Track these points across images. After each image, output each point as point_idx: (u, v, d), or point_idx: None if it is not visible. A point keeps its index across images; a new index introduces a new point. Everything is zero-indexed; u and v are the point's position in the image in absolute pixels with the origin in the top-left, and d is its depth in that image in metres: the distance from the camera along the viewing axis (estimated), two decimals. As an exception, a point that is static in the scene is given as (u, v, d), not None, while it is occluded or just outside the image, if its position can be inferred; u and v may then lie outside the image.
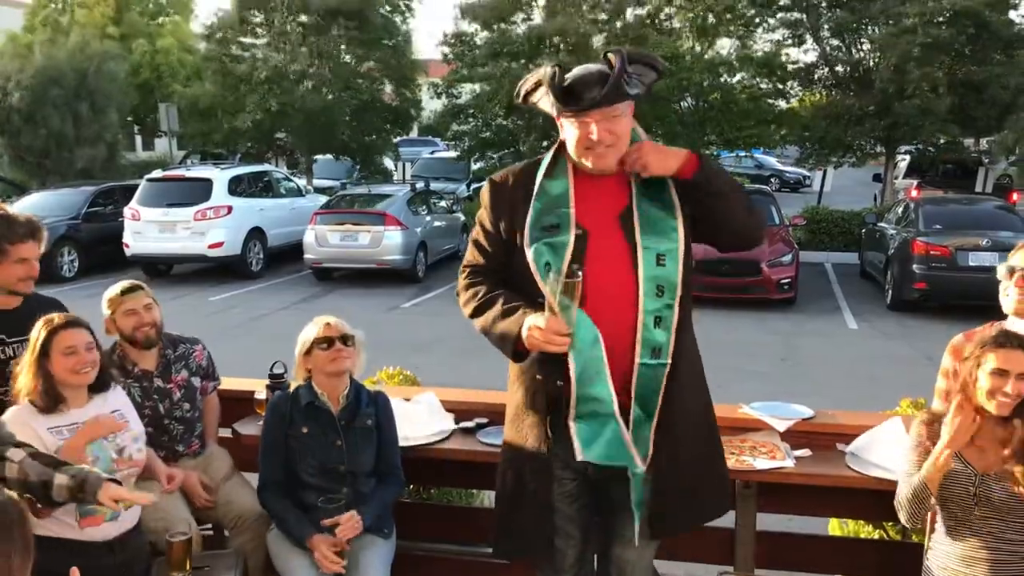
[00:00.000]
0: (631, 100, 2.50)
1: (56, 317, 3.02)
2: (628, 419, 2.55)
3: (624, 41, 17.12)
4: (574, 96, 2.45)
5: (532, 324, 2.46)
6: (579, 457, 2.58)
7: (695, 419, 2.70)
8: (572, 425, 2.57)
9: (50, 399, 2.95)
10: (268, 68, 20.39)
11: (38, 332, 2.96)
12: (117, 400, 3.18)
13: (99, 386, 3.09)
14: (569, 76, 2.49)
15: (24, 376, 2.96)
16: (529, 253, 2.56)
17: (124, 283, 3.61)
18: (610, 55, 2.44)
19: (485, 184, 2.78)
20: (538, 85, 2.53)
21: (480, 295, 2.67)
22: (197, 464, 3.67)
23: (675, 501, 2.64)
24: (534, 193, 2.62)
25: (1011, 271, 2.84)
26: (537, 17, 18.75)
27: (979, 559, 2.65)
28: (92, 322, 3.12)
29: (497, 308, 2.59)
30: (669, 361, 2.54)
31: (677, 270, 2.53)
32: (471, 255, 2.76)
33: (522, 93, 2.59)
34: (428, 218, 15.24)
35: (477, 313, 2.66)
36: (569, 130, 2.54)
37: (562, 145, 2.63)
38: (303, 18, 20.98)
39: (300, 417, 3.29)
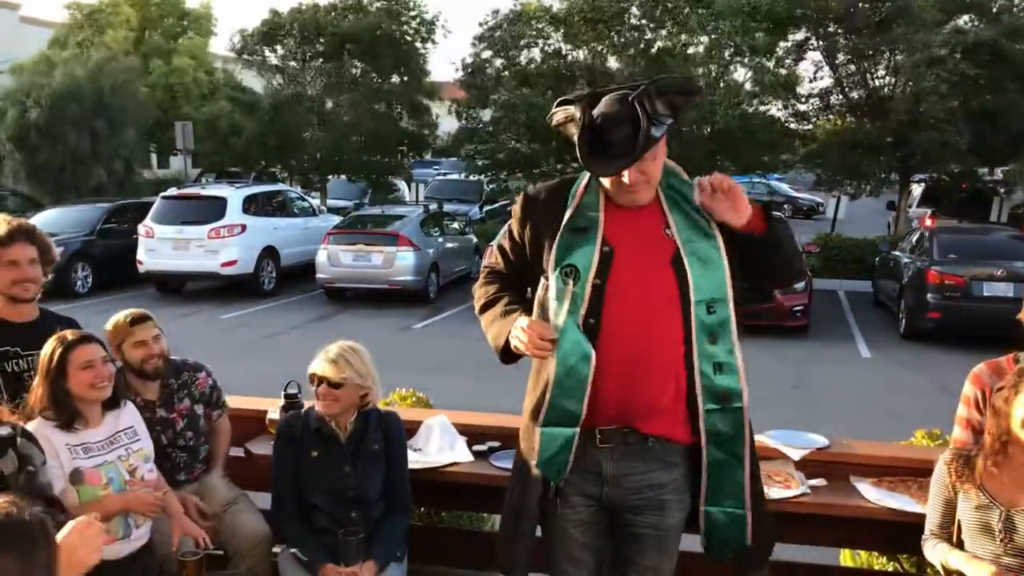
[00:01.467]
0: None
1: (68, 333, 3.01)
2: (699, 462, 2.59)
3: (644, 71, 17.16)
4: (602, 143, 2.43)
5: (519, 324, 2.50)
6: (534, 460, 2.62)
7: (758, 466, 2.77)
8: (537, 431, 2.60)
9: (67, 415, 2.94)
10: (283, 94, 20.58)
11: (51, 349, 2.94)
12: (130, 417, 3.18)
13: (112, 403, 3.08)
14: (598, 112, 2.46)
15: (37, 392, 2.94)
16: (552, 255, 2.56)
17: (131, 312, 3.50)
18: (635, 102, 2.39)
19: (520, 196, 2.80)
20: (567, 119, 2.52)
21: (489, 294, 2.74)
22: (192, 490, 3.58)
23: (765, 540, 2.73)
24: (570, 203, 2.61)
25: None
26: (553, 44, 18.81)
27: None
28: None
29: (499, 308, 2.66)
30: (744, 404, 2.59)
31: (729, 317, 2.54)
32: (493, 258, 2.83)
33: (553, 121, 2.59)
34: (440, 239, 15.27)
35: (483, 311, 2.74)
36: None
37: None
38: (319, 43, 21.16)
39: (310, 440, 3.28)
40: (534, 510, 2.68)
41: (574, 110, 2.49)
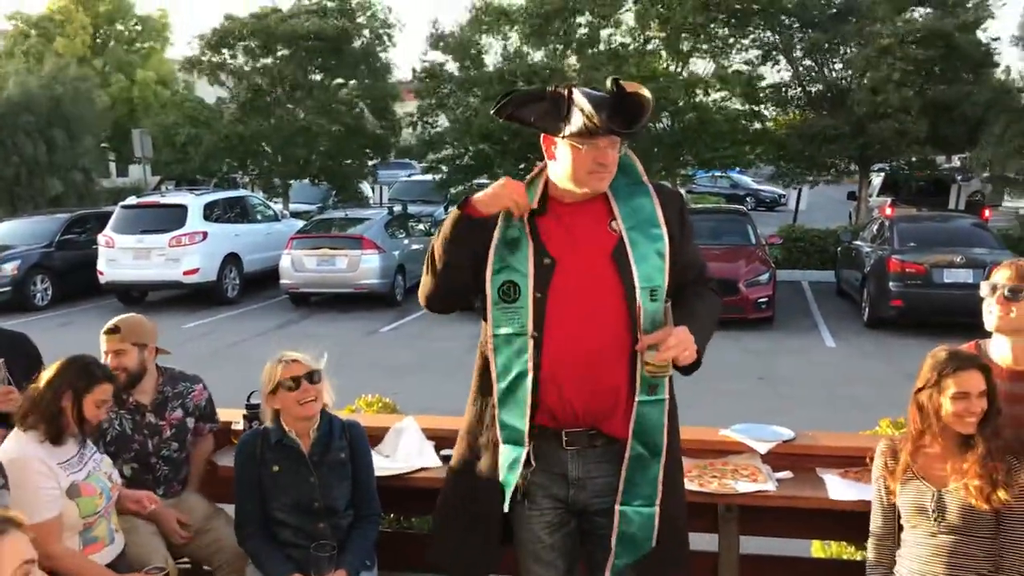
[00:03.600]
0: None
1: (95, 365, 3.08)
2: (623, 456, 2.56)
3: (602, 66, 17.18)
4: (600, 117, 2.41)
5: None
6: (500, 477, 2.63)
7: (680, 462, 2.75)
8: (502, 448, 2.61)
9: (55, 432, 2.96)
10: (241, 94, 20.36)
11: (73, 369, 3.01)
12: None
13: None
14: (586, 96, 2.44)
15: (36, 398, 2.97)
16: (489, 269, 2.57)
17: (111, 321, 3.59)
18: (631, 84, 2.41)
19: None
20: (534, 100, 2.50)
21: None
22: (172, 504, 3.61)
23: (671, 548, 2.66)
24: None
25: (993, 289, 2.91)
26: (513, 44, 18.77)
27: (940, 574, 2.73)
28: (70, 351, 3.13)
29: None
30: (667, 397, 2.57)
31: (663, 304, 2.53)
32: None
33: (510, 108, 2.52)
34: (406, 241, 15.20)
35: (427, 259, 2.66)
36: (572, 154, 2.48)
37: (544, 177, 2.62)
38: (279, 48, 20.99)
39: (271, 455, 3.23)
40: (496, 511, 2.66)
41: (548, 91, 2.48)
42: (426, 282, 2.68)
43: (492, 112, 2.59)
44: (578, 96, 2.41)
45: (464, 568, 2.78)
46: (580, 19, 18.12)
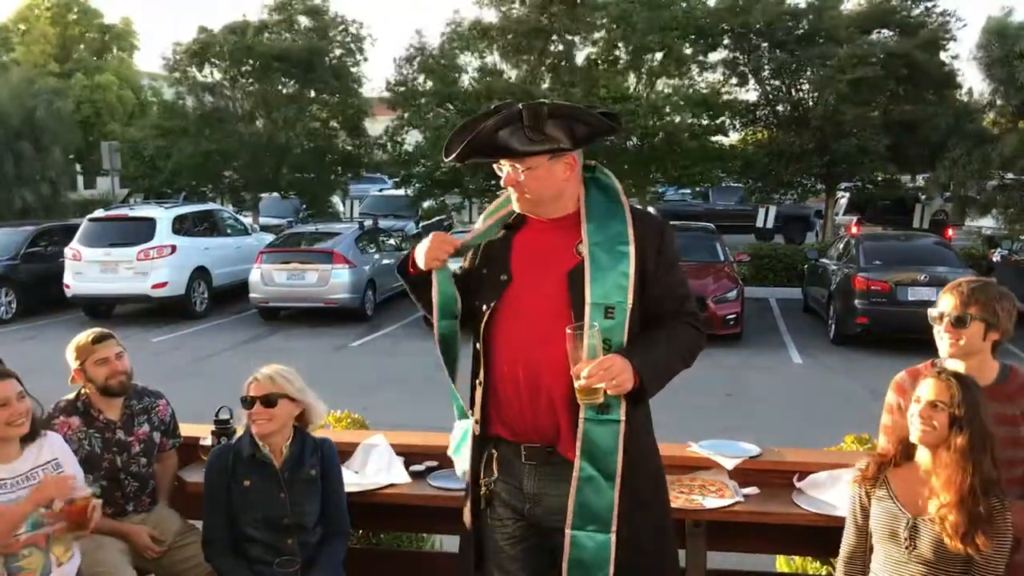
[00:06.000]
0: (542, 155, 2.48)
1: None
2: (571, 475, 2.51)
3: (574, 86, 17.31)
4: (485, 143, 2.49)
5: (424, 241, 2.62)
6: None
7: (655, 483, 2.68)
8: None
9: None
10: (211, 108, 20.24)
11: None
12: (53, 449, 3.06)
13: (31, 436, 2.98)
14: (495, 120, 2.47)
15: None
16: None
17: (93, 331, 3.58)
18: (523, 108, 2.44)
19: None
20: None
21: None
22: (145, 520, 3.59)
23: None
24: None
25: (940, 317, 2.88)
26: (491, 61, 18.87)
27: None
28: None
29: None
30: (622, 419, 2.49)
31: (624, 323, 2.50)
32: None
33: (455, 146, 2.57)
34: (376, 256, 15.17)
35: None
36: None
37: None
38: (248, 64, 20.94)
39: (242, 469, 3.22)
40: (468, 520, 2.72)
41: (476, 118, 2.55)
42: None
43: (445, 160, 2.64)
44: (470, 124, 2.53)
45: None
46: (555, 37, 18.27)
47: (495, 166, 2.60)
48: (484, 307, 2.58)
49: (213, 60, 20.79)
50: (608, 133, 2.57)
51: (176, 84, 21.36)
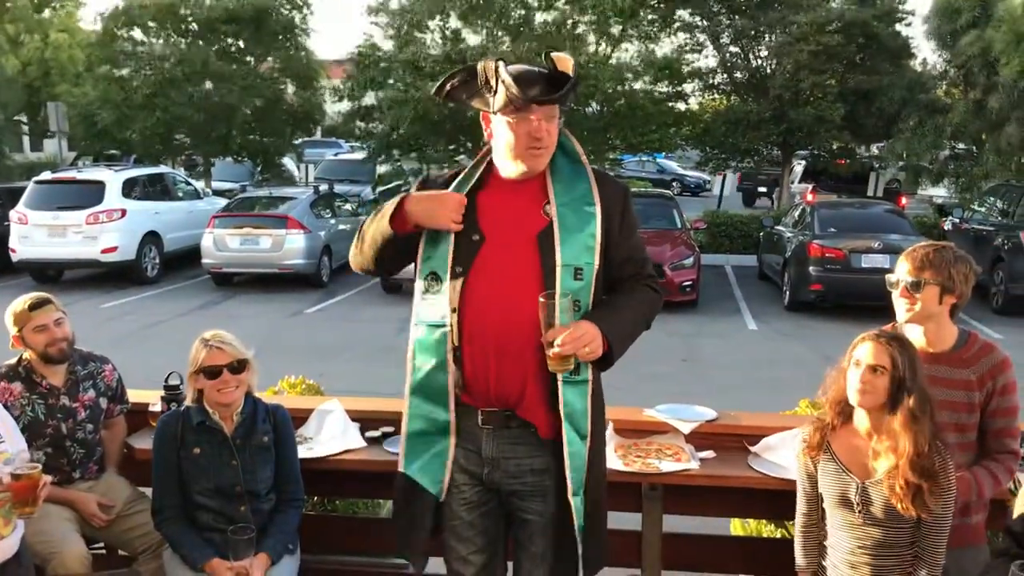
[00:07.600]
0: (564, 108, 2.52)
1: None
2: (536, 442, 2.56)
3: (537, 49, 17.14)
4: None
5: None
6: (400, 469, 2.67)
7: (603, 440, 2.73)
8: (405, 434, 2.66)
9: None
10: (157, 70, 19.73)
11: None
12: None
13: None
14: (512, 70, 2.44)
15: None
16: (421, 248, 2.60)
17: (31, 296, 3.47)
18: (560, 57, 2.45)
19: (417, 181, 2.77)
20: (469, 78, 2.50)
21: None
22: (93, 487, 3.52)
23: (597, 533, 2.65)
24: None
25: (896, 283, 2.90)
26: (451, 25, 18.60)
27: (863, 563, 2.71)
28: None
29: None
30: (590, 377, 2.55)
31: (590, 284, 2.52)
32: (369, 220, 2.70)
33: (447, 88, 2.54)
34: (332, 221, 15.02)
35: (361, 236, 2.66)
36: (506, 130, 2.49)
37: (488, 157, 2.63)
38: (194, 25, 20.42)
39: (192, 437, 3.15)
40: (428, 499, 2.67)
41: (487, 64, 2.47)
42: (356, 255, 2.69)
43: (433, 93, 2.59)
44: (503, 70, 2.42)
45: (405, 548, 2.77)
46: (514, 2, 18.08)
47: (484, 121, 2.55)
48: (458, 268, 2.52)
49: (143, 25, 20.25)
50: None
51: (111, 56, 20.74)
